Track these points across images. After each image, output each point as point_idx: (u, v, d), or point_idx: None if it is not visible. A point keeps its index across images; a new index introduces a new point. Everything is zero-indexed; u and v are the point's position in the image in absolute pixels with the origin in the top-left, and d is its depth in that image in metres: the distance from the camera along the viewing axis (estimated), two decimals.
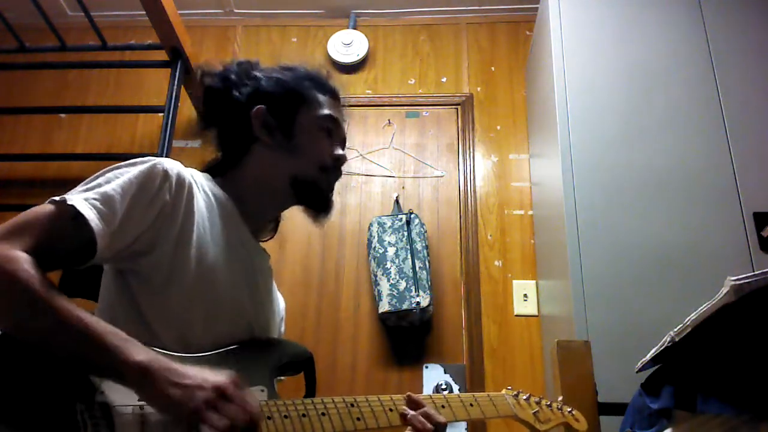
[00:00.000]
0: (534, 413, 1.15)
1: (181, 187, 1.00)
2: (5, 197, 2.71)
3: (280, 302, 1.30)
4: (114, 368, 0.81)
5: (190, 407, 0.78)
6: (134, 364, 0.80)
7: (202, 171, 1.16)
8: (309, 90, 1.19)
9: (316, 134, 1.17)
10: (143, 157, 1.03)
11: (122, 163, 0.99)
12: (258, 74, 1.19)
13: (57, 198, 0.91)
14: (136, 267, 0.97)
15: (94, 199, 0.91)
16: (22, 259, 0.83)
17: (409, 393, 1.04)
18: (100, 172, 0.98)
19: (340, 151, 1.19)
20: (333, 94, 1.23)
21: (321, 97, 1.19)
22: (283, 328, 1.31)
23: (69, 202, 0.89)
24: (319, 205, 1.18)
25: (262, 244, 1.20)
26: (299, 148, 1.15)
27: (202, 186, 1.07)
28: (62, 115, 2.90)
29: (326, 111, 1.19)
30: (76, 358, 0.82)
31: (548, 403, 1.20)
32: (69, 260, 0.92)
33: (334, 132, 1.19)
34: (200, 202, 1.04)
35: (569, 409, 1.21)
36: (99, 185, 0.94)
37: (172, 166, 1.01)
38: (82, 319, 0.82)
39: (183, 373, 0.81)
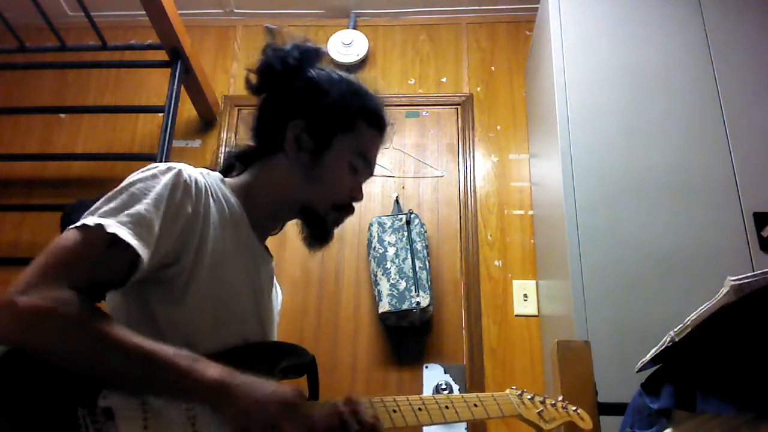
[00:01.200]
0: (538, 412, 1.15)
1: (200, 196, 0.99)
2: (5, 197, 2.71)
3: (279, 295, 1.30)
4: (189, 390, 0.83)
5: (267, 422, 0.81)
6: (211, 383, 0.82)
7: (222, 168, 1.16)
8: (359, 118, 1.12)
9: (344, 169, 1.12)
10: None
11: (142, 174, 0.97)
12: (316, 76, 1.12)
13: (90, 224, 0.87)
14: (161, 276, 0.96)
15: (131, 222, 0.88)
16: (69, 300, 0.82)
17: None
18: (122, 186, 0.94)
19: (358, 192, 1.16)
20: (381, 131, 1.16)
21: (367, 131, 1.13)
22: (278, 319, 1.31)
23: (109, 230, 0.86)
24: (321, 236, 1.15)
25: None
26: (320, 179, 1.10)
27: (214, 191, 1.05)
28: (62, 115, 2.90)
29: (364, 149, 1.13)
30: (146, 385, 0.83)
31: (553, 402, 1.19)
32: (111, 287, 0.92)
33: (361, 172, 1.15)
34: (213, 210, 1.03)
35: (574, 408, 1.21)
36: (127, 204, 0.91)
37: (190, 173, 0.99)
38: (146, 347, 0.83)
39: (258, 388, 0.83)
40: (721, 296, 0.98)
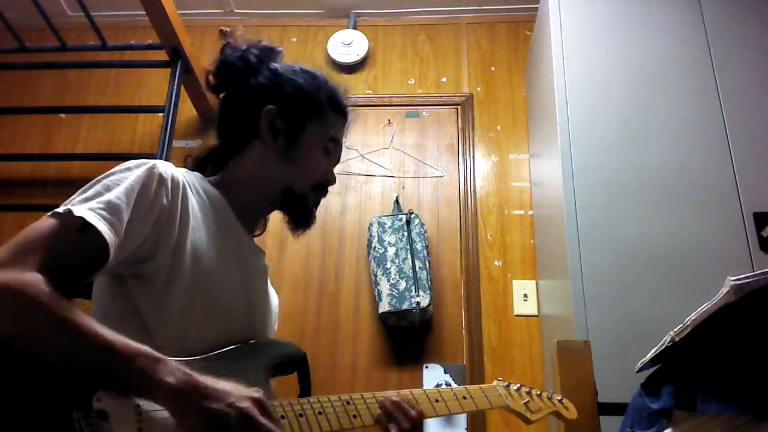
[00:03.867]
0: (525, 403, 1.17)
1: (177, 190, 1.00)
2: (5, 197, 2.71)
3: (274, 299, 1.30)
4: (145, 389, 0.82)
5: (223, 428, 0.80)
6: (166, 387, 0.81)
7: (193, 169, 1.16)
8: (325, 105, 1.17)
9: (318, 152, 1.17)
10: (142, 157, 1.02)
11: (117, 168, 0.98)
12: (279, 69, 1.17)
13: (60, 210, 0.89)
14: (138, 272, 0.96)
15: (101, 209, 0.89)
16: (37, 281, 0.82)
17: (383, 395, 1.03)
18: (96, 179, 0.96)
19: (332, 175, 1.20)
20: (344, 115, 1.22)
21: (333, 116, 1.19)
22: (276, 325, 1.31)
23: (77, 214, 0.87)
24: (302, 219, 1.19)
25: (256, 240, 1.20)
26: (298, 161, 1.14)
27: (194, 186, 1.06)
28: (62, 115, 2.90)
29: (334, 132, 1.19)
30: (102, 376, 0.82)
31: (539, 392, 1.21)
32: (80, 273, 0.91)
33: (333, 154, 1.20)
34: (194, 204, 1.03)
35: (559, 398, 1.24)
36: (99, 193, 0.93)
37: (166, 168, 1.00)
38: (107, 337, 0.82)
39: (215, 394, 0.82)
40: (721, 296, 0.97)
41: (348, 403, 0.99)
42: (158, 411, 0.84)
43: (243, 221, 1.12)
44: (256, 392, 0.85)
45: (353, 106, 1.25)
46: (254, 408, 0.82)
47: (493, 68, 2.85)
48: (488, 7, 2.94)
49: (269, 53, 1.19)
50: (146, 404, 0.84)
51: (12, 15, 2.61)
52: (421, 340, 2.33)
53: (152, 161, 1.00)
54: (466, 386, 1.15)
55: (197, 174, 1.13)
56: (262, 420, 0.82)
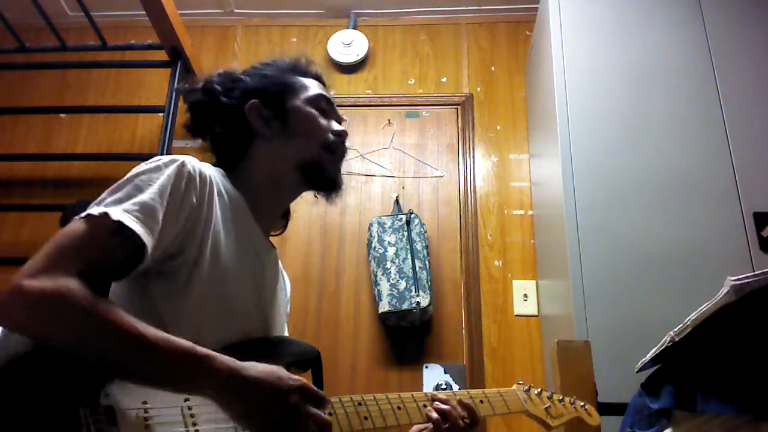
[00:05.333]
0: (546, 408, 1.14)
1: (204, 187, 1.00)
2: (5, 197, 2.71)
3: (287, 283, 1.31)
4: (195, 386, 0.83)
5: (275, 420, 0.83)
6: (216, 382, 0.83)
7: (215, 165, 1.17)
8: (293, 77, 1.20)
9: (311, 115, 1.17)
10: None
11: (146, 166, 0.98)
12: (240, 77, 1.20)
13: (94, 212, 0.88)
14: (164, 269, 0.96)
15: (136, 211, 0.89)
16: (74, 287, 0.81)
17: (432, 393, 1.07)
18: (126, 178, 0.95)
19: (338, 126, 1.19)
20: (317, 78, 1.24)
21: (306, 81, 1.21)
22: (288, 308, 1.31)
23: (114, 218, 0.87)
24: (328, 184, 1.17)
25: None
26: (297, 132, 1.15)
27: (218, 183, 1.06)
28: (62, 115, 2.90)
29: (315, 92, 1.20)
30: (149, 374, 0.83)
31: (560, 398, 1.18)
32: (116, 275, 0.91)
33: (327, 110, 1.20)
34: (217, 202, 1.03)
35: (582, 404, 1.20)
36: (131, 194, 0.92)
37: (195, 165, 1.01)
38: (150, 337, 0.82)
39: (265, 386, 0.84)
40: (721, 296, 0.98)
41: (360, 404, 0.98)
42: (165, 408, 0.84)
43: (259, 222, 1.12)
44: (301, 380, 0.87)
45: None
46: (299, 396, 0.85)
47: (493, 68, 2.85)
48: (488, 7, 2.94)
49: (227, 74, 1.21)
50: (153, 401, 0.84)
51: (12, 15, 2.61)
52: (421, 340, 2.33)
53: (181, 157, 1.00)
54: (484, 390, 1.12)
55: (220, 170, 1.12)
56: (309, 408, 0.85)
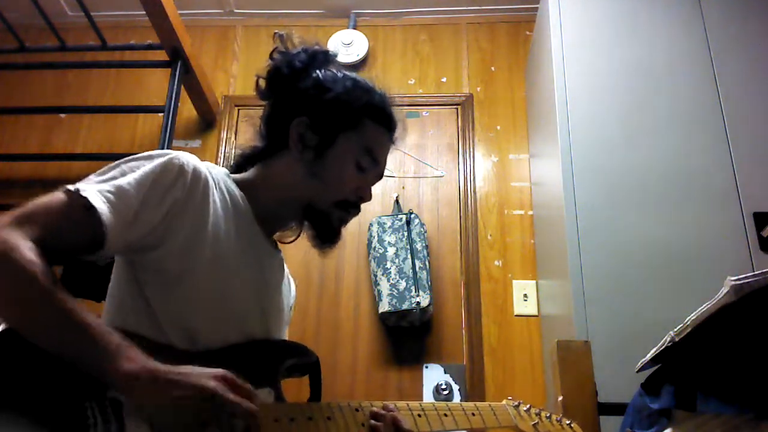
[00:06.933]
0: (534, 425, 1.15)
1: (196, 183, 0.98)
2: (5, 197, 2.71)
3: (292, 287, 1.29)
4: (103, 373, 0.79)
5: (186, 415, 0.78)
6: (122, 372, 0.78)
7: (235, 164, 1.16)
8: (364, 115, 1.11)
9: (349, 166, 1.09)
10: None
11: (139, 155, 0.98)
12: (320, 76, 1.11)
13: (71, 187, 0.89)
14: (144, 261, 0.96)
15: (108, 191, 0.90)
16: (25, 247, 0.82)
17: (384, 403, 1.01)
18: (116, 162, 0.96)
19: (365, 191, 1.13)
20: (388, 127, 1.16)
21: (372, 128, 1.12)
22: (291, 315, 1.29)
23: (83, 193, 0.88)
24: (326, 236, 1.13)
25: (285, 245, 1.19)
26: (324, 176, 1.08)
27: (218, 182, 1.05)
28: (62, 115, 2.90)
29: (370, 146, 1.11)
30: (71, 355, 0.80)
31: (548, 414, 1.19)
32: (75, 252, 0.91)
33: (369, 170, 1.12)
34: (216, 200, 1.02)
35: (568, 422, 1.21)
36: (114, 177, 0.93)
37: (188, 159, 0.99)
38: (82, 316, 0.80)
39: (175, 378, 0.79)
40: (721, 296, 0.97)
41: (357, 410, 0.97)
42: None
43: (262, 224, 1.10)
44: (221, 370, 0.81)
45: (398, 106, 1.19)
46: (220, 385, 0.79)
47: (493, 68, 2.85)
48: (488, 7, 2.95)
49: (320, 57, 1.13)
50: None
51: (12, 15, 2.61)
52: (421, 340, 2.33)
53: (175, 152, 0.99)
54: (476, 403, 1.12)
55: (224, 170, 1.11)
56: (230, 396, 0.78)
